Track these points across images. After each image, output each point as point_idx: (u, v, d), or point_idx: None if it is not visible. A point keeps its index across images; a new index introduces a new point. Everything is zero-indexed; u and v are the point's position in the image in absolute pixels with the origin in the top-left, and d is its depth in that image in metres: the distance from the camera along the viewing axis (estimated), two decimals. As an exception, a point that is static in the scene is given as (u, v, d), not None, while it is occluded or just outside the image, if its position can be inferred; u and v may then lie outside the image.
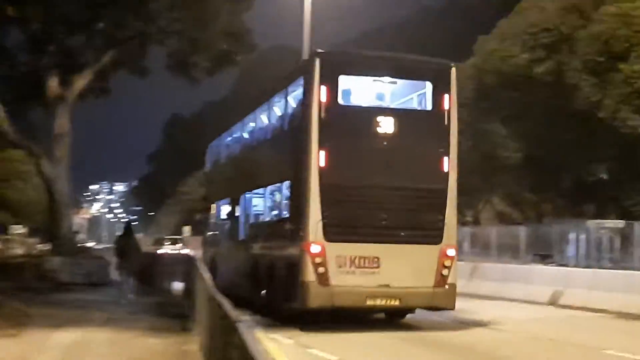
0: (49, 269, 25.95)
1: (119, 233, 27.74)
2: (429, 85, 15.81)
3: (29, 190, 65.70)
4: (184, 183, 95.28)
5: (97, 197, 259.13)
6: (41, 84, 29.95)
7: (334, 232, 14.59)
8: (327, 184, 14.69)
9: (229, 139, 23.33)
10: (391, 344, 13.72)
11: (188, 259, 20.85)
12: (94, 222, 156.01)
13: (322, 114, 14.86)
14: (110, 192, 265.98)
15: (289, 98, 16.81)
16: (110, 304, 19.85)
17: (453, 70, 15.88)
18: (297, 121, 15.83)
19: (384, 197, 14.97)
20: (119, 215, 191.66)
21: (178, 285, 22.31)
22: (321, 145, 14.81)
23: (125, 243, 22.46)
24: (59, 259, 26.83)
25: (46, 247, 34.25)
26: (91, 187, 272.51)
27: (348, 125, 15.24)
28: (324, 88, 14.92)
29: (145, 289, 23.37)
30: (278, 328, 15.01)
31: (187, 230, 76.26)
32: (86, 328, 14.79)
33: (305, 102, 15.39)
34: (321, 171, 14.71)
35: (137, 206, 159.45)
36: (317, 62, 15.13)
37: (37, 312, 16.75)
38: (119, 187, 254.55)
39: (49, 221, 31.34)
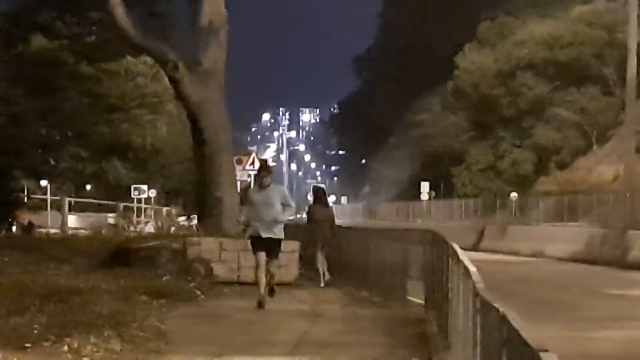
0: (195, 259, 16.80)
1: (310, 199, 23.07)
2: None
3: (160, 126, 44.68)
4: (418, 107, 60.36)
5: (272, 134, 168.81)
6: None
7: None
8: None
9: None
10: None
11: (431, 239, 12.35)
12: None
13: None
14: (292, 126, 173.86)
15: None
16: (302, 318, 12.62)
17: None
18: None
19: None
20: (310, 165, 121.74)
21: (416, 287, 14.41)
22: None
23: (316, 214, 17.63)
24: (211, 242, 17.14)
25: (193, 221, 22.08)
26: (263, 118, 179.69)
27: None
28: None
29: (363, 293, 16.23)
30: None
31: (426, 189, 54.78)
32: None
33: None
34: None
35: (339, 148, 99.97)
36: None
37: (177, 331, 10.78)
38: (307, 117, 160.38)
39: (195, 178, 20.92)
